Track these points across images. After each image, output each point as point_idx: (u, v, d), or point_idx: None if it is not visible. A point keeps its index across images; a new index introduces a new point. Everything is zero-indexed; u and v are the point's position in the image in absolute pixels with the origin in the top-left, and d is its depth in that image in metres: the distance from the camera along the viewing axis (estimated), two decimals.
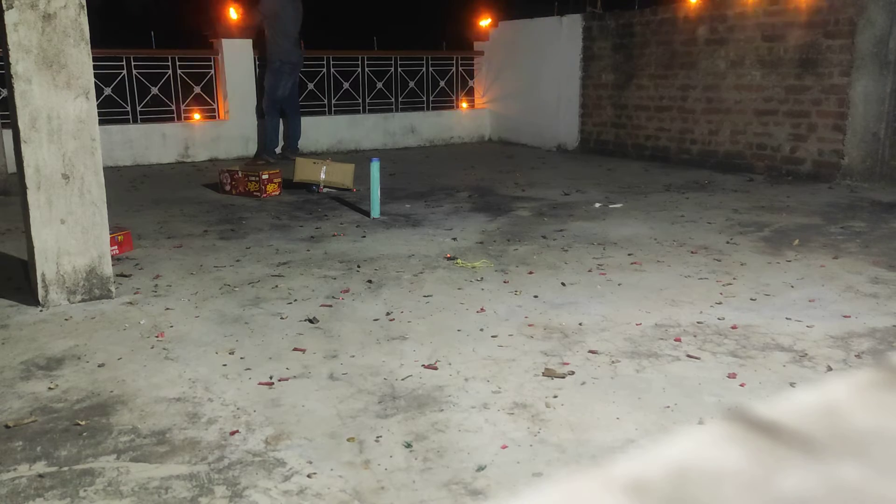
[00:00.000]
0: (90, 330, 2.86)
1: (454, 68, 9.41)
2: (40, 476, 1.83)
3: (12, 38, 2.91)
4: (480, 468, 1.84)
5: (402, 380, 2.37)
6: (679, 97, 7.28)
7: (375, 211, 4.89)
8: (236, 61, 7.79)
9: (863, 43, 5.76)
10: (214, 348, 2.66)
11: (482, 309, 3.04)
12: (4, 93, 3.91)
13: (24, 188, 3.04)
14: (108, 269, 3.22)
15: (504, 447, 1.95)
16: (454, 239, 4.27)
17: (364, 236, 4.37)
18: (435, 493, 1.74)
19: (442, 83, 9.35)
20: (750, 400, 2.24)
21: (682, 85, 7.24)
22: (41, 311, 3.07)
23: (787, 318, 2.89)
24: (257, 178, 5.60)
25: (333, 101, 8.56)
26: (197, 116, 7.86)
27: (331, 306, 3.10)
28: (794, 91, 6.27)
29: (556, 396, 2.24)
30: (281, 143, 7.75)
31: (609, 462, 0.32)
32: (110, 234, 3.38)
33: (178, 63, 7.60)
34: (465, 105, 9.57)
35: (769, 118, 6.50)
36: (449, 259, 3.81)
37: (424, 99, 9.23)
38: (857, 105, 5.86)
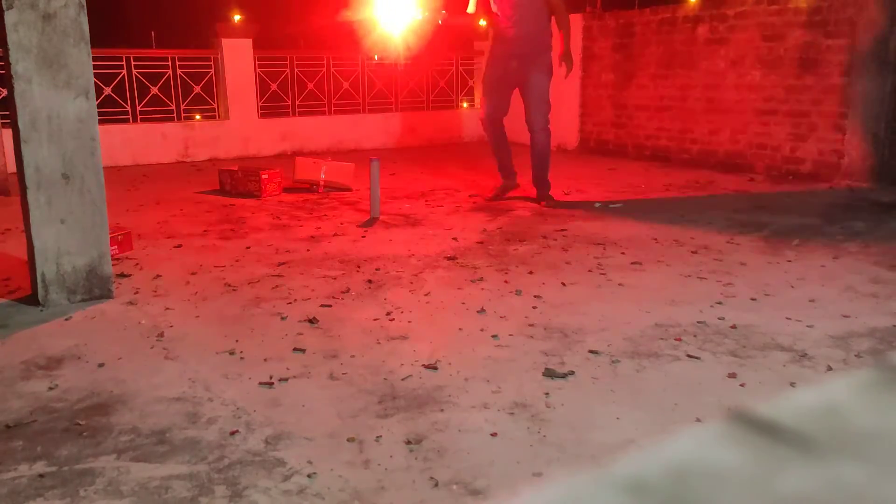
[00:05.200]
0: (90, 330, 2.86)
1: (454, 68, 9.41)
2: (40, 476, 1.83)
3: (12, 38, 2.91)
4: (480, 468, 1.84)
5: (402, 380, 2.37)
6: (679, 97, 7.28)
7: (375, 211, 4.89)
8: (236, 61, 7.78)
9: (863, 43, 5.76)
10: (214, 348, 2.65)
11: (482, 309, 3.04)
12: (4, 93, 3.91)
13: (24, 188, 3.04)
14: (108, 268, 3.22)
15: (503, 446, 1.95)
16: (454, 239, 4.27)
17: (364, 236, 4.37)
18: (435, 493, 1.74)
19: (442, 83, 9.35)
20: (750, 400, 2.24)
21: (682, 85, 7.23)
22: (41, 311, 3.07)
23: (787, 318, 2.89)
24: (257, 178, 5.60)
25: (333, 101, 8.56)
26: (197, 116, 7.85)
27: (331, 306, 3.10)
28: (794, 91, 6.27)
29: (556, 396, 2.24)
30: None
31: (609, 462, 0.32)
32: (110, 234, 3.38)
33: (178, 63, 7.60)
34: (465, 105, 9.57)
35: (769, 118, 6.50)
36: (449, 259, 3.81)
37: (424, 99, 9.23)
38: (857, 105, 5.85)
